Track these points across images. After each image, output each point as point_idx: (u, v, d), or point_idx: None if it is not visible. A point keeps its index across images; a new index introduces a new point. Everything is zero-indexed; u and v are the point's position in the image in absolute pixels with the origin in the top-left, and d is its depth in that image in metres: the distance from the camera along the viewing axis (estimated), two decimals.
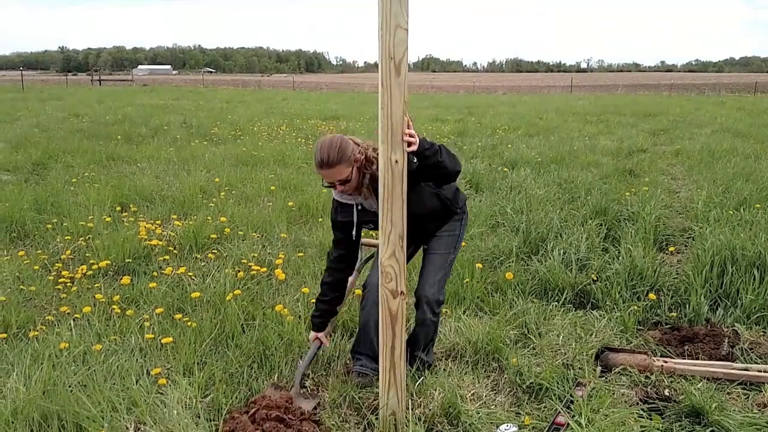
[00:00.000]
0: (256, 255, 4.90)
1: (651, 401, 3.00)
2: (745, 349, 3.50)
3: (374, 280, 3.07)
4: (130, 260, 4.79)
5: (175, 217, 6.12)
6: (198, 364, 3.23)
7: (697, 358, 3.43)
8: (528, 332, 3.74)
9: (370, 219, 2.94)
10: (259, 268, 4.50)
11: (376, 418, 2.74)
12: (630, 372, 3.25)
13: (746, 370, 3.21)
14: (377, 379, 2.84)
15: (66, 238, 5.31)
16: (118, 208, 6.43)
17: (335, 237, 3.10)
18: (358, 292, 3.45)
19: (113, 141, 12.03)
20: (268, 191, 7.38)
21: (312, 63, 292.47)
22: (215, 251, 5.06)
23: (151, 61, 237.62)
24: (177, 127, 15.03)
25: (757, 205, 6.11)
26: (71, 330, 3.54)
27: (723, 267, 4.38)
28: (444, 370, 3.28)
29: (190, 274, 4.51)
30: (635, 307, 4.02)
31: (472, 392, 3.09)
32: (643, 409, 2.89)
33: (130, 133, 13.37)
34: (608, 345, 3.53)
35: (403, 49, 2.33)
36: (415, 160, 2.58)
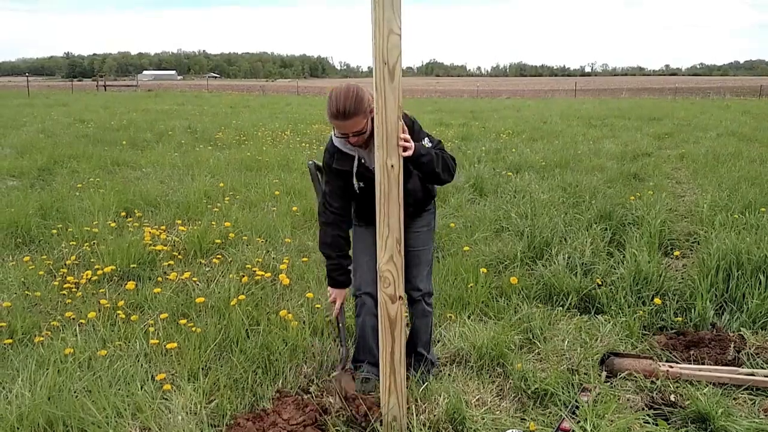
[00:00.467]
0: (260, 260, 4.90)
1: (657, 407, 2.98)
2: (752, 354, 3.48)
3: (366, 287, 3.08)
4: (135, 265, 4.80)
5: (179, 222, 6.13)
6: (202, 369, 3.23)
7: (703, 363, 3.41)
8: (533, 337, 3.73)
9: (368, 176, 2.85)
10: (263, 273, 4.50)
11: (381, 424, 2.73)
12: (635, 377, 3.23)
13: (752, 375, 3.19)
14: (379, 381, 2.85)
15: (71, 243, 5.32)
16: (123, 214, 6.44)
17: (329, 188, 3.00)
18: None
19: (118, 146, 12.08)
20: (273, 196, 7.39)
21: (316, 68, 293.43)
22: (220, 256, 5.07)
23: (155, 66, 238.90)
24: (182, 132, 15.08)
25: (763, 209, 6.09)
26: (76, 335, 3.54)
27: (728, 271, 4.37)
28: (448, 375, 3.28)
29: (194, 279, 4.51)
30: (640, 312, 4.00)
31: (476, 398, 3.08)
32: (648, 415, 2.88)
33: (135, 138, 13.43)
34: (613, 350, 3.52)
35: (396, 54, 2.34)
36: (411, 167, 2.59)
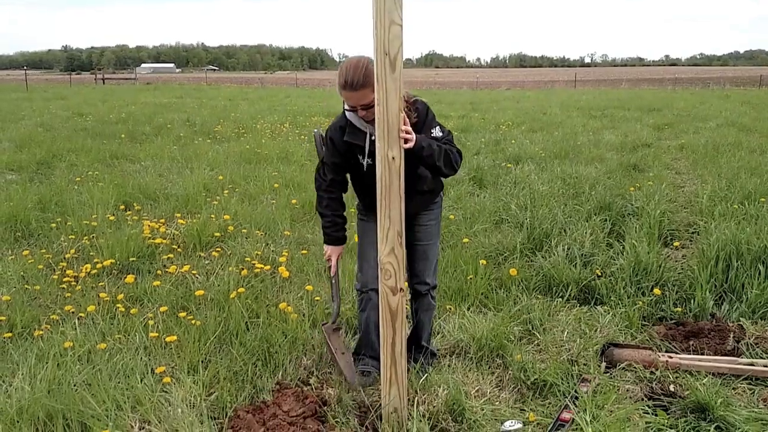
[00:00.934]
0: (259, 253, 4.90)
1: (656, 397, 2.99)
2: (751, 344, 3.48)
3: (370, 282, 3.06)
4: (134, 259, 4.80)
5: (178, 215, 6.12)
6: (202, 362, 3.24)
7: (703, 354, 3.41)
8: (532, 328, 3.73)
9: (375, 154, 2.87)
10: (262, 266, 4.50)
11: (380, 417, 2.73)
12: (635, 368, 3.24)
13: (752, 365, 3.19)
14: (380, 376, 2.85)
15: (70, 237, 5.32)
16: (122, 207, 6.44)
17: (332, 158, 2.99)
18: None
19: (117, 140, 12.06)
20: (272, 189, 7.38)
21: (315, 60, 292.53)
22: (219, 249, 5.07)
23: (154, 59, 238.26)
24: (180, 125, 15.05)
25: (762, 199, 6.08)
26: (76, 329, 3.55)
27: (728, 262, 4.36)
28: (448, 366, 3.28)
29: (194, 272, 4.51)
30: (640, 303, 4.00)
31: (476, 389, 3.08)
32: (648, 405, 2.89)
33: (134, 131, 13.40)
34: (613, 341, 3.53)
35: (398, 44, 2.32)
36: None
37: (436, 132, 2.80)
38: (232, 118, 16.83)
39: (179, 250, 5.12)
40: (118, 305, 3.85)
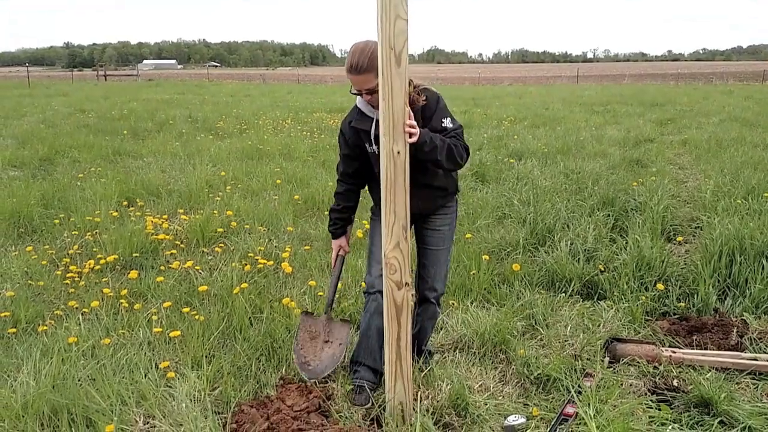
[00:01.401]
0: (262, 248, 4.91)
1: (659, 391, 2.99)
2: (754, 339, 3.48)
3: (376, 284, 2.95)
4: (138, 254, 4.81)
5: (181, 211, 6.13)
6: (206, 357, 3.24)
7: (706, 348, 3.41)
8: (535, 323, 3.73)
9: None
10: (265, 261, 4.50)
11: (384, 410, 2.74)
12: (638, 362, 3.24)
13: (755, 359, 3.19)
14: (375, 391, 2.91)
15: (73, 233, 5.33)
16: (125, 203, 6.45)
17: (342, 151, 3.03)
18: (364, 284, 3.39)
19: (119, 136, 12.06)
20: (274, 185, 7.38)
21: (316, 56, 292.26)
22: (222, 245, 5.07)
23: (156, 55, 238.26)
24: (182, 121, 15.05)
25: (766, 194, 6.07)
26: (80, 324, 3.55)
27: (731, 257, 4.36)
28: (451, 361, 3.28)
29: (197, 267, 4.52)
30: (643, 298, 4.00)
31: (479, 383, 3.09)
32: (651, 400, 2.88)
33: (136, 127, 13.40)
34: (616, 335, 3.53)
35: (403, 39, 2.32)
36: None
37: (447, 123, 2.75)
38: (234, 114, 16.82)
39: (182, 245, 5.13)
40: (122, 301, 3.86)
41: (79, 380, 2.93)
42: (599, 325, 3.71)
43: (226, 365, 3.15)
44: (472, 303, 3.98)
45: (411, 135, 2.45)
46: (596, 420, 2.55)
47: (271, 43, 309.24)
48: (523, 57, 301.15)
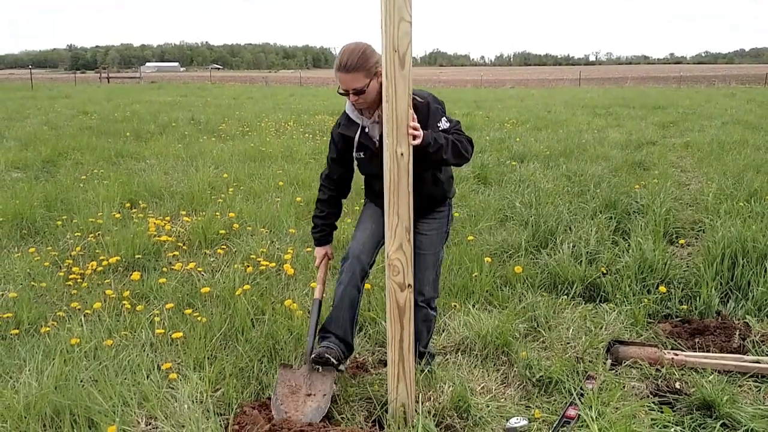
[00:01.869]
0: (264, 250, 4.91)
1: (662, 394, 2.98)
2: (757, 342, 3.48)
3: (356, 252, 2.93)
4: (140, 256, 4.81)
5: (184, 213, 6.14)
6: (208, 358, 3.25)
7: (708, 351, 3.41)
8: (537, 326, 3.73)
9: (368, 145, 2.83)
10: (268, 263, 4.51)
11: (386, 411, 2.74)
12: (640, 365, 3.24)
13: (758, 362, 3.18)
14: (341, 363, 2.87)
15: (76, 234, 5.34)
16: (128, 205, 6.46)
17: (330, 154, 3.02)
18: None
19: (122, 138, 12.08)
20: (277, 187, 7.39)
21: (319, 59, 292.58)
22: (224, 247, 5.08)
23: (158, 58, 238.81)
24: (185, 123, 15.07)
25: None
26: (82, 326, 3.56)
27: (734, 259, 4.35)
28: (453, 363, 3.28)
29: (199, 269, 4.52)
30: (645, 300, 4.00)
31: (481, 386, 3.08)
32: (653, 402, 2.88)
33: (139, 130, 13.42)
34: (618, 338, 3.52)
35: (407, 41, 2.33)
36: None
37: (443, 124, 2.74)
38: (236, 117, 16.84)
39: (185, 247, 5.14)
40: (124, 302, 3.87)
41: (81, 381, 2.93)
42: (601, 328, 3.71)
43: (229, 367, 3.15)
44: (474, 305, 3.98)
45: (414, 137, 2.46)
46: (598, 422, 2.55)
47: (273, 45, 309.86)
48: (525, 60, 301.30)
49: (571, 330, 3.67)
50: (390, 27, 2.30)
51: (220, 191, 7.14)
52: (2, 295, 4.09)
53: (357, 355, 3.35)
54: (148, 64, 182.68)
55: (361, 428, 2.73)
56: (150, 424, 2.71)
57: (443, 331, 3.68)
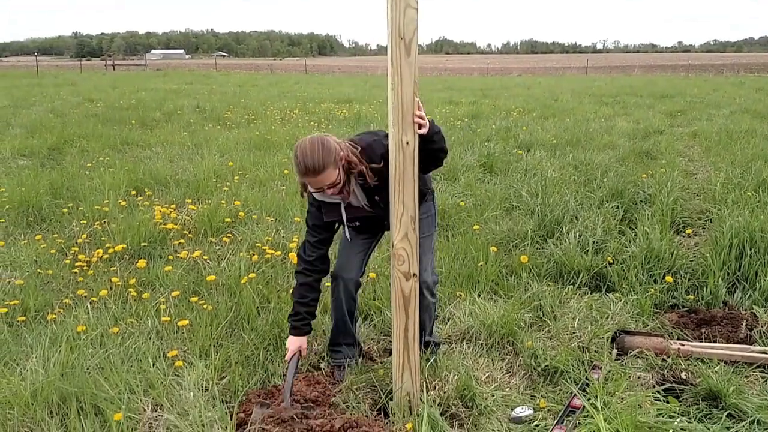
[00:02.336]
0: (270, 239, 4.91)
1: (668, 384, 2.97)
2: (764, 332, 3.46)
3: (345, 267, 2.99)
4: (146, 244, 4.82)
5: (189, 201, 6.14)
6: (214, 346, 3.25)
7: (715, 341, 3.39)
8: (543, 315, 3.72)
9: (358, 216, 2.83)
10: (273, 251, 4.51)
11: (391, 399, 2.74)
12: (646, 355, 3.23)
13: (765, 353, 3.17)
14: (355, 368, 2.93)
15: (82, 222, 5.35)
16: (133, 192, 6.46)
17: (317, 237, 2.88)
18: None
19: (127, 126, 12.08)
20: (282, 175, 7.38)
21: (324, 46, 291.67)
22: (230, 235, 5.08)
23: (164, 45, 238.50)
24: (190, 111, 15.06)
25: None
26: (88, 313, 3.57)
27: (741, 249, 4.32)
28: (459, 352, 3.28)
29: (205, 257, 4.53)
30: (652, 290, 3.98)
31: (486, 375, 3.08)
32: (659, 392, 2.87)
33: (144, 117, 13.42)
34: (624, 328, 3.51)
35: (413, 28, 2.30)
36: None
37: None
38: (242, 105, 16.82)
39: (190, 235, 5.14)
40: (130, 290, 3.87)
41: (87, 369, 2.95)
42: (607, 318, 3.70)
43: (234, 355, 3.16)
44: (479, 294, 3.97)
45: (420, 126, 2.43)
46: (603, 412, 2.54)
47: (278, 33, 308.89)
48: (532, 48, 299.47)
49: (576, 320, 3.66)
50: (396, 13, 2.27)
51: (226, 179, 7.13)
52: (9, 282, 4.10)
53: (362, 344, 3.35)
54: (153, 51, 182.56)
55: (366, 416, 2.73)
56: (156, 411, 2.72)
57: (448, 320, 3.68)
